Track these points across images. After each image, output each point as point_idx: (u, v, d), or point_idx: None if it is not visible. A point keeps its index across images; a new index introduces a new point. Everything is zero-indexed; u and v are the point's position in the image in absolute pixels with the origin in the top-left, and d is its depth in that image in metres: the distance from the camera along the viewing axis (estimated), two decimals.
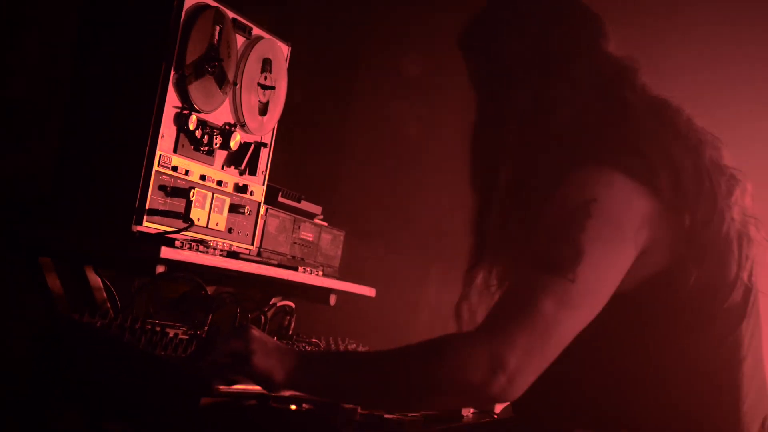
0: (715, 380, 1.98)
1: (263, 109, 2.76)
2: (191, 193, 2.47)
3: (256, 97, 2.72)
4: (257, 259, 2.69)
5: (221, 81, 2.55)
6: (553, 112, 2.04)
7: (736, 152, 2.12)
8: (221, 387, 1.90)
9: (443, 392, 1.83)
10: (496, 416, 2.44)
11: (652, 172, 1.91)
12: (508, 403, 2.20)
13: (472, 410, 2.43)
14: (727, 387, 1.99)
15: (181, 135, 2.45)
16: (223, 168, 2.63)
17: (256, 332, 1.92)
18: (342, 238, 3.30)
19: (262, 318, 2.73)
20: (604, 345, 1.95)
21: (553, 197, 1.93)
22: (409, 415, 2.16)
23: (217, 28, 2.52)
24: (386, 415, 2.05)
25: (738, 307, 2.00)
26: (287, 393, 1.96)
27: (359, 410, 1.98)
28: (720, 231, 1.96)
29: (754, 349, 2.04)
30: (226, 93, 2.59)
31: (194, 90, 2.45)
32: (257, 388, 1.94)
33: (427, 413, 2.22)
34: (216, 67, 2.51)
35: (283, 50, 2.84)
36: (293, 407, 1.91)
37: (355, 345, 2.85)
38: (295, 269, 2.78)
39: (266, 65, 2.74)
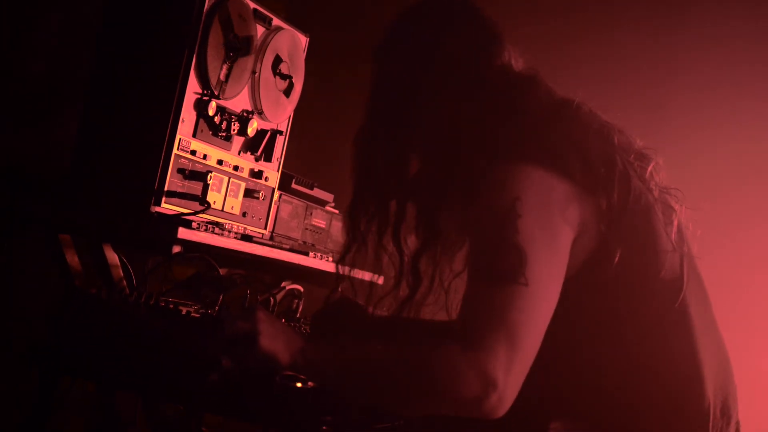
0: (669, 352, 2.02)
1: (280, 98, 2.82)
2: (208, 177, 2.54)
3: (274, 86, 2.79)
4: (270, 243, 2.75)
5: (241, 69, 2.62)
6: (433, 112, 2.10)
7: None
8: (229, 364, 1.96)
9: (437, 407, 1.86)
10: None
11: (561, 158, 1.95)
12: None
13: None
14: (683, 357, 2.03)
15: (201, 120, 2.52)
16: (239, 154, 2.70)
17: (263, 314, 1.96)
18: None
19: (272, 300, 2.79)
20: (566, 337, 1.99)
21: (476, 203, 1.96)
22: None
23: (238, 17, 2.59)
24: None
25: (676, 276, 2.04)
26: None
27: None
28: (638, 207, 2.01)
29: (701, 314, 2.09)
30: (246, 81, 2.66)
31: (214, 77, 2.52)
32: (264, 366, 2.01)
33: None
34: (236, 56, 2.58)
35: (302, 41, 2.91)
36: (299, 385, 1.96)
37: None
38: (306, 254, 2.85)
39: (285, 55, 2.81)
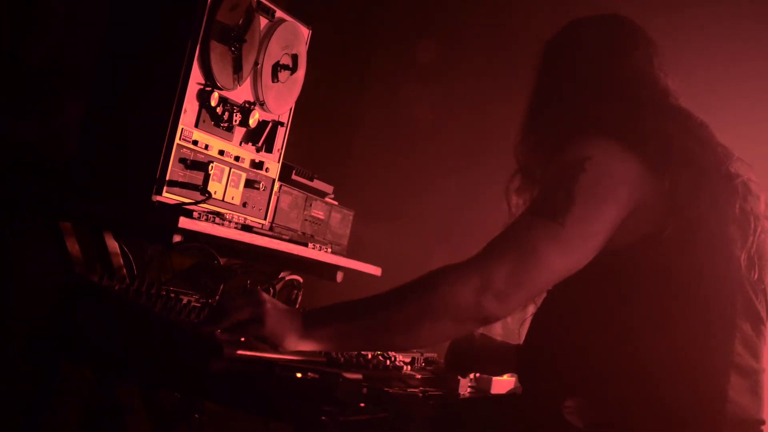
0: (701, 356, 2.09)
1: (282, 89, 2.84)
2: (210, 167, 2.55)
3: (276, 78, 2.80)
4: (269, 233, 2.76)
5: (244, 61, 2.63)
6: (572, 87, 2.35)
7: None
8: (231, 352, 1.98)
9: (440, 318, 2.02)
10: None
11: (643, 141, 2.12)
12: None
13: (468, 388, 2.52)
14: (713, 366, 2.10)
15: (203, 111, 2.54)
16: (241, 144, 2.71)
17: (266, 296, 2.06)
18: (351, 217, 3.37)
19: (271, 290, 2.81)
20: (600, 311, 2.12)
21: (557, 156, 2.16)
22: (409, 390, 2.24)
23: (242, 9, 2.60)
24: (387, 389, 2.12)
25: (733, 291, 2.13)
26: (295, 358, 2.06)
27: (362, 382, 2.07)
28: (712, 210, 2.12)
29: (747, 336, 2.15)
30: (248, 72, 2.67)
31: (217, 68, 2.53)
32: (265, 354, 2.03)
33: (425, 389, 2.31)
34: (239, 48, 2.60)
35: (304, 33, 2.92)
36: (299, 375, 1.98)
37: None
38: (305, 245, 2.87)
39: (287, 47, 2.82)
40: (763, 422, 2.19)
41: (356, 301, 2.12)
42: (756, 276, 2.18)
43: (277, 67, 2.79)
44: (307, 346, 2.07)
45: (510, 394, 2.39)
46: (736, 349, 2.12)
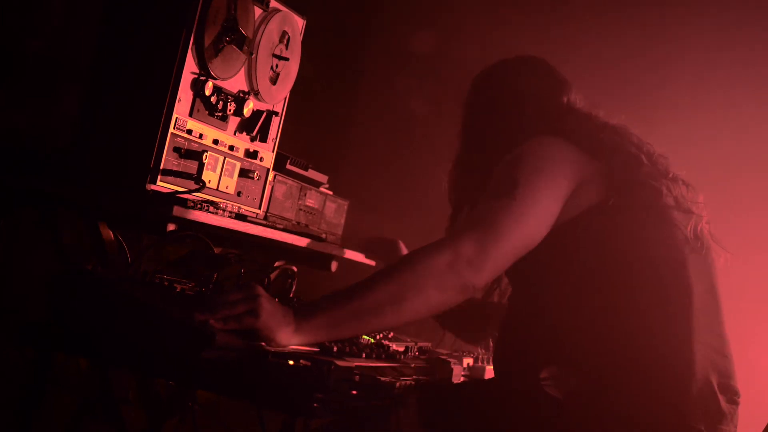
0: (664, 319, 2.27)
1: (276, 79, 2.84)
2: (204, 156, 2.55)
3: (270, 67, 2.80)
4: (264, 222, 2.77)
5: (238, 50, 2.63)
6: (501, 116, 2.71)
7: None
8: (223, 341, 1.99)
9: (422, 288, 2.18)
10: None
11: (575, 133, 2.46)
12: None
13: (462, 377, 2.53)
14: (676, 329, 2.28)
15: (197, 100, 2.54)
16: (235, 134, 2.72)
17: (261, 290, 2.09)
18: (346, 207, 3.38)
19: (265, 280, 2.82)
20: (560, 283, 2.34)
21: (504, 158, 2.43)
22: (402, 378, 2.25)
23: None
24: (380, 377, 2.14)
25: (682, 260, 2.34)
26: (290, 347, 2.08)
27: (354, 370, 2.08)
28: (647, 187, 2.39)
29: (705, 304, 2.34)
30: (242, 62, 2.68)
31: (211, 57, 2.54)
32: (257, 343, 2.04)
33: (418, 378, 2.32)
34: (233, 37, 2.60)
35: (299, 23, 2.92)
36: (291, 363, 1.98)
37: None
38: (302, 235, 2.87)
39: (282, 37, 2.83)
40: (736, 392, 2.34)
41: (343, 289, 2.19)
42: (703, 252, 2.40)
43: (271, 57, 2.80)
44: (301, 338, 2.11)
45: (493, 379, 2.45)
46: (694, 308, 2.29)
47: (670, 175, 2.46)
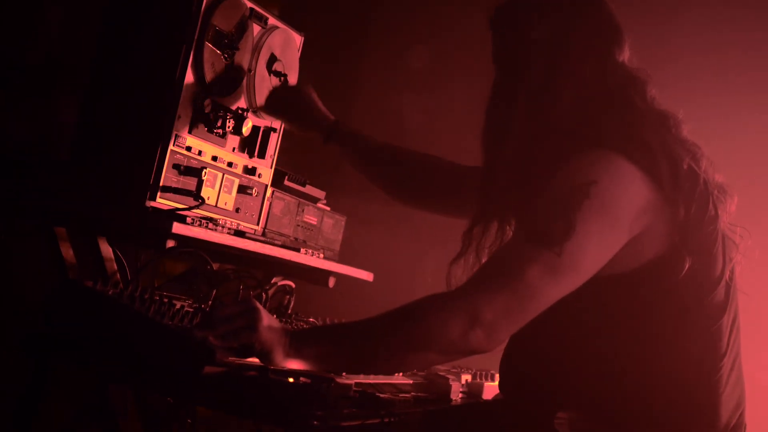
0: (699, 369, 2.11)
1: None
2: (203, 173, 2.56)
3: (268, 84, 2.82)
4: (262, 239, 2.78)
5: (237, 67, 2.64)
6: (557, 100, 2.16)
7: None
8: (223, 357, 1.99)
9: (425, 349, 1.99)
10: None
11: (653, 161, 2.02)
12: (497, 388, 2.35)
13: (460, 393, 2.54)
14: (709, 376, 2.12)
15: (197, 117, 2.55)
16: (234, 150, 2.73)
17: (259, 305, 2.04)
18: (343, 222, 3.38)
19: (263, 296, 2.82)
20: (596, 328, 2.08)
21: (555, 177, 2.03)
22: (401, 395, 2.26)
23: (235, 15, 2.62)
24: (379, 394, 2.14)
25: (720, 301, 2.14)
26: (286, 366, 2.08)
27: (353, 387, 2.08)
28: (711, 230, 2.11)
29: (732, 343, 2.18)
30: (241, 79, 2.69)
31: (210, 74, 2.55)
32: (257, 360, 2.04)
33: (417, 395, 2.32)
34: (232, 54, 2.61)
35: (297, 40, 2.94)
36: (290, 380, 1.99)
37: None
38: (298, 251, 2.88)
39: (280, 53, 2.84)
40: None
41: (343, 326, 2.14)
42: (735, 283, 2.21)
43: (270, 73, 2.81)
44: (293, 364, 2.05)
45: (500, 401, 2.41)
46: (725, 367, 2.15)
47: (718, 191, 2.16)
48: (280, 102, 2.78)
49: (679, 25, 4.27)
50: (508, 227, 2.29)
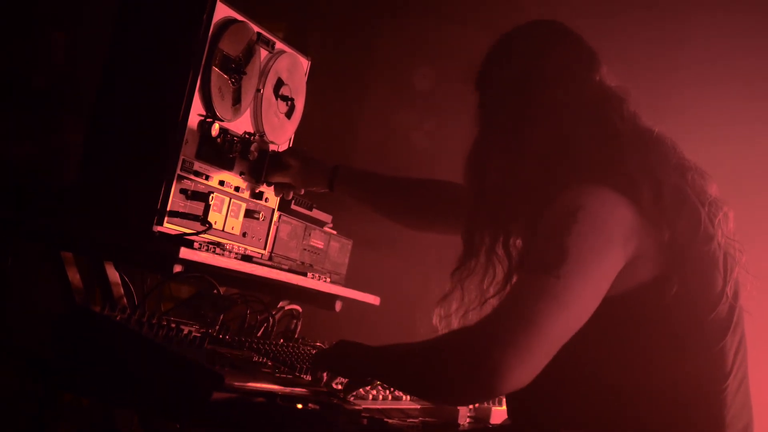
0: (700, 390, 2.09)
1: (282, 120, 2.86)
2: (210, 198, 2.56)
3: (275, 108, 2.82)
4: (269, 263, 2.77)
5: (243, 92, 2.65)
6: (533, 129, 2.18)
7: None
8: (232, 383, 1.99)
9: (436, 394, 2.06)
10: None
11: (634, 186, 2.04)
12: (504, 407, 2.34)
13: (468, 419, 2.53)
14: (712, 397, 2.10)
15: (204, 142, 2.55)
16: (241, 174, 2.73)
17: None
18: (350, 246, 3.38)
19: (270, 320, 2.82)
20: (596, 352, 2.07)
21: (543, 217, 2.05)
22: (408, 420, 2.25)
23: (243, 41, 2.62)
24: (387, 419, 2.13)
25: (723, 321, 2.11)
26: (296, 389, 2.07)
27: (362, 413, 2.07)
28: (704, 250, 2.09)
29: (738, 364, 2.15)
30: (248, 104, 2.69)
31: (217, 99, 2.55)
32: (266, 385, 2.03)
33: (425, 420, 2.32)
34: (239, 79, 2.62)
35: (303, 64, 2.94)
36: (299, 406, 1.98)
37: None
38: (304, 275, 2.88)
39: (287, 78, 2.84)
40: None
41: (366, 349, 2.17)
42: (739, 301, 2.18)
43: (277, 98, 2.81)
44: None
45: (506, 426, 2.40)
46: (729, 391, 2.12)
47: (718, 219, 2.14)
48: (279, 169, 2.85)
49: (686, 33, 4.27)
50: (497, 261, 2.28)
